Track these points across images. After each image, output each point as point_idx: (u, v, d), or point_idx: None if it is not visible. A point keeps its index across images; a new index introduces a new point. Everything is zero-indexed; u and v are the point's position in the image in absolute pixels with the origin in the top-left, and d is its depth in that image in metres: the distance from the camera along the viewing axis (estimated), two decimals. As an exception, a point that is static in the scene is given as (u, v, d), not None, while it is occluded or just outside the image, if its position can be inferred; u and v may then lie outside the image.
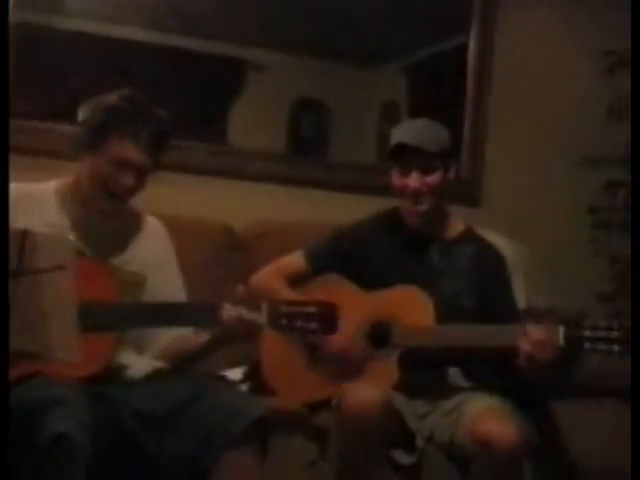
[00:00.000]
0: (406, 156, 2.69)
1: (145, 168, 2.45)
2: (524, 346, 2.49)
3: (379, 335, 2.67)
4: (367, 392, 2.46)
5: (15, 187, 2.46)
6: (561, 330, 2.49)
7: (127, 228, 2.57)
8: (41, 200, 2.50)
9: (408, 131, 2.74)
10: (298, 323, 2.32)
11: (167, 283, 2.59)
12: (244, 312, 2.32)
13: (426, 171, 2.69)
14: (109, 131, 2.40)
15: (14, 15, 3.18)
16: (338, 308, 2.36)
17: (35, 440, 2.06)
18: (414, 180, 2.69)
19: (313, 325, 2.32)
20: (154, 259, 2.56)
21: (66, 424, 2.06)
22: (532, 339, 2.48)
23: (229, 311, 2.33)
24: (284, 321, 2.33)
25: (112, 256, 2.49)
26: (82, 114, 2.47)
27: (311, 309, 2.32)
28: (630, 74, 2.95)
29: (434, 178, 2.70)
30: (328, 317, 2.33)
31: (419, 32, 3.84)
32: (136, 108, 2.43)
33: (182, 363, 2.52)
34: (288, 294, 2.70)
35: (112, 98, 2.45)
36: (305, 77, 3.76)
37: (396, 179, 2.73)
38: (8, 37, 2.26)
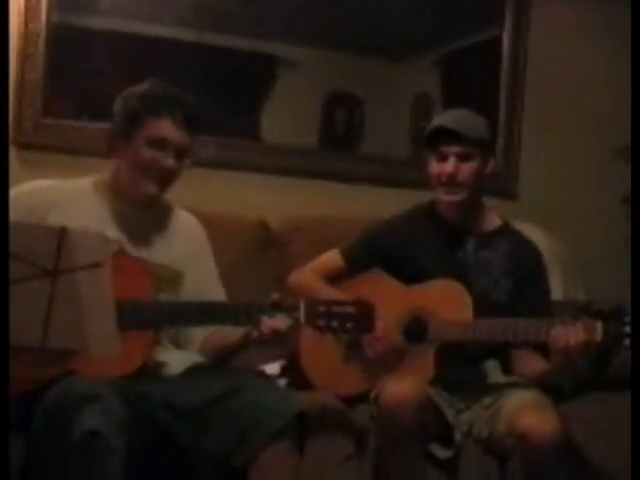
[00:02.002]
0: (444, 141, 2.67)
1: (183, 147, 2.46)
2: (561, 342, 2.47)
3: (416, 330, 2.67)
4: (405, 386, 2.46)
5: (46, 184, 2.48)
6: (599, 326, 2.46)
7: (163, 222, 2.57)
8: (78, 196, 2.50)
9: (446, 117, 2.74)
10: (335, 323, 2.31)
11: (204, 277, 2.59)
12: (281, 324, 2.31)
13: (463, 157, 2.68)
14: (145, 114, 2.43)
15: (51, 17, 3.22)
16: (375, 307, 2.35)
17: (68, 436, 2.07)
18: (450, 165, 2.67)
19: (350, 325, 2.32)
20: (190, 253, 2.57)
21: (99, 421, 2.08)
22: (570, 335, 2.46)
23: (267, 323, 2.31)
24: (322, 321, 2.32)
25: (151, 249, 2.50)
26: (115, 106, 2.50)
27: (348, 309, 2.32)
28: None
29: (470, 166, 2.68)
30: (365, 317, 2.33)
31: (452, 24, 3.82)
32: (167, 93, 2.47)
33: (221, 356, 2.53)
34: (328, 292, 2.70)
35: (143, 86, 2.49)
36: (337, 71, 3.75)
37: (432, 166, 2.72)
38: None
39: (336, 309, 2.32)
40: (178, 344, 2.55)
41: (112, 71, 3.31)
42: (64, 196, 2.48)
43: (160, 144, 2.42)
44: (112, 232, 2.43)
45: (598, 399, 2.92)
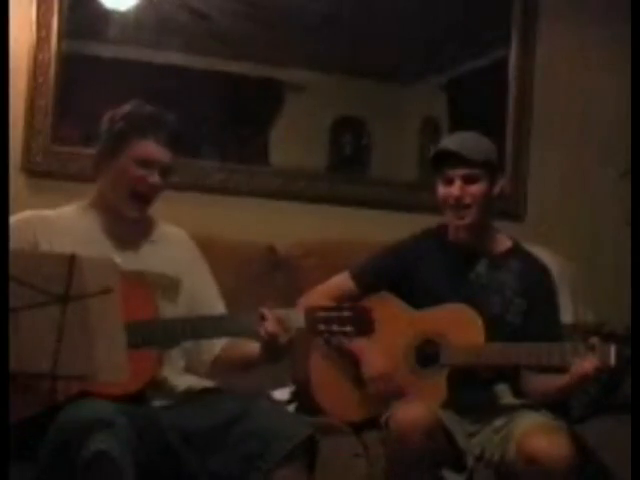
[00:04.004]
0: (449, 164, 2.68)
1: (167, 166, 2.51)
2: (576, 368, 2.46)
3: (428, 353, 2.67)
4: (416, 411, 2.45)
5: (33, 213, 2.51)
6: (612, 349, 2.46)
7: (152, 233, 2.61)
8: (66, 221, 2.54)
9: (451, 140, 2.75)
10: (334, 327, 2.36)
11: (201, 283, 2.63)
12: (280, 311, 2.37)
13: (469, 180, 2.68)
14: (129, 134, 2.49)
15: (61, 45, 3.25)
16: (377, 320, 2.38)
17: (77, 458, 2.09)
18: (457, 188, 2.68)
19: (350, 329, 2.36)
20: (184, 259, 2.61)
21: (108, 442, 2.09)
22: (587, 364, 2.46)
23: (266, 312, 2.36)
24: (321, 326, 2.36)
25: (144, 262, 2.52)
26: (101, 126, 2.56)
27: (346, 313, 2.36)
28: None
29: (477, 188, 2.69)
30: (363, 320, 2.37)
31: (458, 48, 3.83)
32: (150, 112, 2.53)
33: (234, 372, 2.57)
34: None
35: (127, 107, 2.55)
36: (344, 96, 3.77)
37: (440, 190, 2.73)
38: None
39: (334, 314, 2.37)
40: (190, 359, 2.57)
41: (121, 99, 3.32)
42: (49, 224, 2.52)
43: (145, 163, 2.48)
44: (102, 245, 2.49)
45: (609, 422, 2.91)
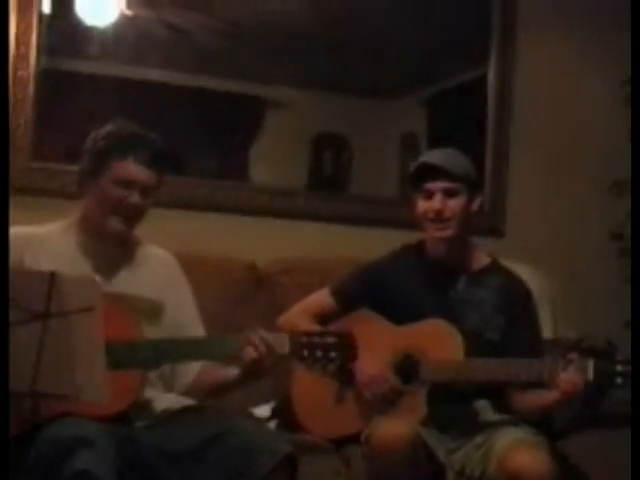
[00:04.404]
0: (430, 178, 2.70)
1: (149, 186, 2.50)
2: (554, 385, 2.47)
3: (408, 370, 2.67)
4: (396, 427, 2.46)
5: (21, 229, 2.51)
6: (591, 364, 2.47)
7: (134, 256, 2.60)
8: (51, 238, 2.54)
9: (431, 154, 2.77)
10: (318, 353, 2.36)
11: (183, 308, 2.62)
12: (267, 336, 2.36)
13: (449, 194, 2.69)
14: (110, 155, 2.48)
15: (40, 61, 3.25)
16: (357, 337, 2.39)
17: (59, 477, 2.08)
18: (437, 202, 2.69)
19: (333, 354, 2.36)
20: (166, 283, 2.60)
21: (90, 462, 2.08)
22: (564, 379, 2.47)
23: (253, 337, 2.36)
24: (305, 352, 2.37)
25: (126, 285, 2.52)
26: (85, 145, 2.56)
27: (330, 339, 2.37)
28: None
29: (457, 202, 2.70)
30: (347, 346, 2.38)
31: (438, 64, 3.85)
32: (132, 132, 2.53)
33: (211, 396, 2.55)
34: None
35: (108, 127, 2.54)
36: (324, 112, 3.78)
37: (419, 205, 2.74)
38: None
39: (318, 340, 2.37)
40: (168, 384, 2.56)
41: (101, 115, 3.32)
42: (37, 239, 2.52)
43: (125, 183, 2.48)
44: (81, 268, 2.47)
45: (589, 437, 2.92)
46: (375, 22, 3.74)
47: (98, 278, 2.42)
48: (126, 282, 2.52)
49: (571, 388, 2.47)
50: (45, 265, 2.37)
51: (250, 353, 2.35)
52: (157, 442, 2.31)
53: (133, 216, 2.52)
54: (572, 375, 2.47)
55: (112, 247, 2.54)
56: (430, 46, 3.82)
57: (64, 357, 1.99)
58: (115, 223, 2.49)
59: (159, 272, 2.61)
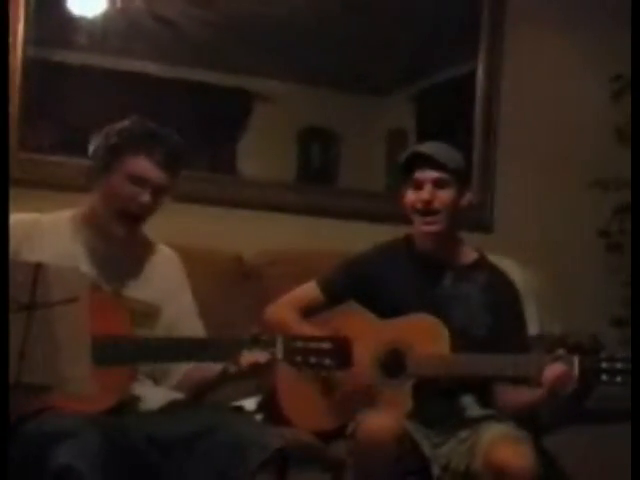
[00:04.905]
0: (419, 167, 2.69)
1: (161, 186, 2.47)
2: (540, 381, 2.48)
3: (394, 364, 2.66)
4: (381, 421, 2.45)
5: (23, 218, 2.47)
6: (576, 361, 2.48)
7: (140, 256, 2.58)
8: (53, 230, 2.51)
9: (423, 145, 2.76)
10: (313, 359, 2.34)
11: (182, 311, 2.59)
12: (261, 357, 2.33)
13: (439, 185, 2.69)
14: (124, 150, 2.45)
15: (27, 51, 3.23)
16: (352, 342, 2.37)
17: (43, 472, 2.06)
18: (426, 192, 2.68)
19: (327, 361, 2.34)
20: (168, 287, 2.57)
21: (75, 457, 2.07)
22: (548, 375, 2.47)
23: (246, 357, 2.33)
24: (299, 357, 2.34)
25: (126, 284, 2.50)
26: (95, 141, 2.51)
27: (325, 345, 2.34)
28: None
29: (447, 195, 2.69)
30: (342, 353, 2.35)
31: (426, 60, 3.86)
32: (148, 129, 2.49)
33: (199, 392, 2.53)
34: (301, 328, 2.69)
35: (124, 122, 2.51)
36: (312, 106, 3.78)
37: (408, 195, 2.73)
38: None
39: (313, 345, 2.34)
40: (154, 379, 2.54)
41: (88, 106, 3.32)
42: (39, 230, 2.49)
43: (138, 181, 2.44)
44: (84, 267, 2.44)
45: (575, 432, 2.93)
46: (365, 17, 3.74)
47: (102, 281, 2.41)
48: (130, 287, 2.50)
49: (556, 384, 2.47)
50: (43, 256, 2.31)
51: (247, 357, 2.33)
52: (147, 431, 2.29)
53: (141, 215, 2.48)
54: (557, 371, 2.48)
55: (118, 247, 2.51)
56: (419, 41, 3.83)
57: (49, 348, 1.98)
58: (122, 221, 2.46)
59: (164, 276, 2.58)
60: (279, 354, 2.33)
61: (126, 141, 2.45)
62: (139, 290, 2.50)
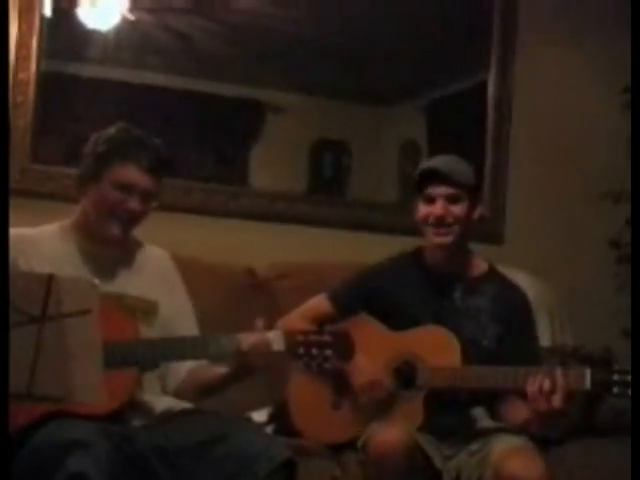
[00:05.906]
0: (432, 183, 2.70)
1: (149, 191, 2.51)
2: (551, 391, 2.47)
3: (405, 376, 2.67)
4: (393, 433, 2.45)
5: (13, 233, 2.50)
6: (588, 373, 2.46)
7: (130, 256, 2.61)
8: (44, 240, 2.54)
9: (437, 160, 2.76)
10: (314, 351, 2.38)
11: (177, 307, 2.62)
12: (262, 335, 2.38)
13: (451, 200, 2.69)
14: (112, 158, 2.48)
15: (41, 64, 3.25)
16: (355, 342, 2.41)
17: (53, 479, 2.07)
18: (439, 207, 2.69)
19: (328, 352, 2.38)
20: (161, 282, 2.60)
21: (84, 464, 2.08)
22: (559, 386, 2.46)
23: (247, 337, 2.37)
24: (301, 349, 2.39)
25: (118, 284, 2.52)
26: (86, 148, 2.55)
27: (326, 337, 2.39)
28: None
29: (459, 209, 2.70)
30: (343, 344, 2.40)
31: (438, 71, 3.86)
32: (134, 137, 2.53)
33: (200, 396, 2.55)
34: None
35: (111, 130, 2.54)
36: (324, 118, 3.78)
37: (421, 209, 2.73)
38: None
39: (314, 338, 2.39)
40: (161, 382, 2.57)
41: (101, 118, 3.33)
42: (29, 242, 2.51)
43: (126, 187, 2.48)
44: (79, 270, 2.47)
45: (585, 445, 2.92)
46: (375, 29, 3.75)
47: (96, 280, 2.42)
48: (125, 282, 2.53)
49: (538, 399, 2.45)
50: (39, 267, 2.39)
51: (245, 357, 2.36)
52: (155, 441, 2.31)
53: (131, 221, 2.52)
54: (569, 382, 2.46)
55: (110, 249, 2.54)
56: (431, 52, 3.83)
57: (60, 360, 1.97)
58: (113, 226, 2.49)
59: (156, 271, 2.62)
60: (281, 346, 2.37)
61: (114, 149, 2.49)
62: (133, 287, 2.53)
